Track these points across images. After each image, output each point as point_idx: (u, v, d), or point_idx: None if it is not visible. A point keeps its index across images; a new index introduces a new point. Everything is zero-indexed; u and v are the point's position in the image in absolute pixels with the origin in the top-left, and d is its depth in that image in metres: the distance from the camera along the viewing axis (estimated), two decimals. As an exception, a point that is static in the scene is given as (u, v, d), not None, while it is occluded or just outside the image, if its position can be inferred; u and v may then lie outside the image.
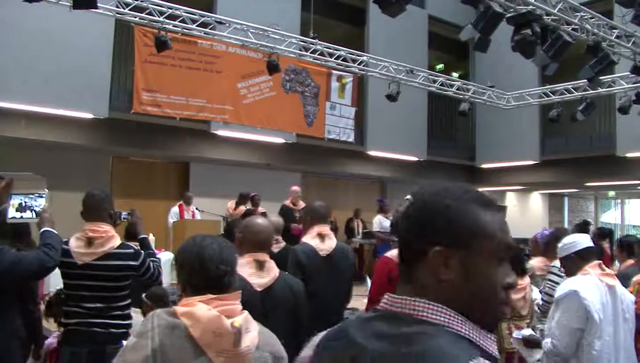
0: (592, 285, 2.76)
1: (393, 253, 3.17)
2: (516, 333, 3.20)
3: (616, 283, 2.87)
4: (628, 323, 2.84)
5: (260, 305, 1.74)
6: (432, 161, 13.50)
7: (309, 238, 3.60)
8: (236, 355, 1.54)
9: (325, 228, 3.65)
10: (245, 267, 2.46)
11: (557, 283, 3.69)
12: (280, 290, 2.57)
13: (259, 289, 2.46)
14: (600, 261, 2.91)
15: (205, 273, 1.66)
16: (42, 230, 2.83)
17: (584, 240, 2.97)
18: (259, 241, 2.59)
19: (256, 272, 2.50)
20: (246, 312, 1.63)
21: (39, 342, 3.39)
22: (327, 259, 3.55)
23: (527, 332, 3.17)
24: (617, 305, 2.81)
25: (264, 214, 8.36)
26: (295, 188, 9.01)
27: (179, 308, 1.58)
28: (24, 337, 3.09)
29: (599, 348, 2.67)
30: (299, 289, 2.71)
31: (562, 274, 3.77)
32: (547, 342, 2.78)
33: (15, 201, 2.92)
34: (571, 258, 2.93)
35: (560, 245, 3.04)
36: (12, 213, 2.92)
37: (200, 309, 1.54)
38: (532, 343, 3.06)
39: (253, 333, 1.60)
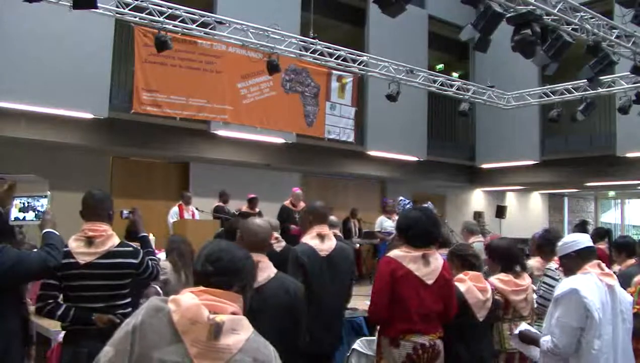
0: (592, 284, 2.76)
1: (397, 253, 3.14)
2: (513, 335, 3.19)
3: (615, 283, 2.87)
4: (626, 324, 2.86)
5: (248, 304, 1.79)
6: (432, 161, 13.50)
7: (309, 239, 3.60)
8: (211, 350, 1.53)
9: (325, 229, 3.65)
10: None
11: (552, 286, 3.68)
12: (273, 290, 2.60)
13: None
14: (600, 261, 2.91)
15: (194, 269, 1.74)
16: (45, 231, 2.85)
17: (584, 240, 2.97)
18: (256, 242, 2.67)
19: None
20: (240, 316, 1.62)
21: (29, 340, 3.38)
22: (327, 259, 3.55)
23: (523, 326, 3.15)
24: (616, 305, 2.82)
25: (259, 214, 8.48)
26: (298, 191, 8.98)
27: (172, 296, 1.64)
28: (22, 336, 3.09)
29: (598, 347, 2.68)
30: (296, 291, 2.72)
31: (557, 277, 3.78)
32: (546, 341, 2.78)
33: (17, 202, 2.94)
34: (571, 257, 2.92)
35: (560, 243, 3.04)
36: (14, 214, 2.94)
37: (185, 296, 1.60)
38: (527, 339, 3.05)
39: (240, 336, 1.58)
